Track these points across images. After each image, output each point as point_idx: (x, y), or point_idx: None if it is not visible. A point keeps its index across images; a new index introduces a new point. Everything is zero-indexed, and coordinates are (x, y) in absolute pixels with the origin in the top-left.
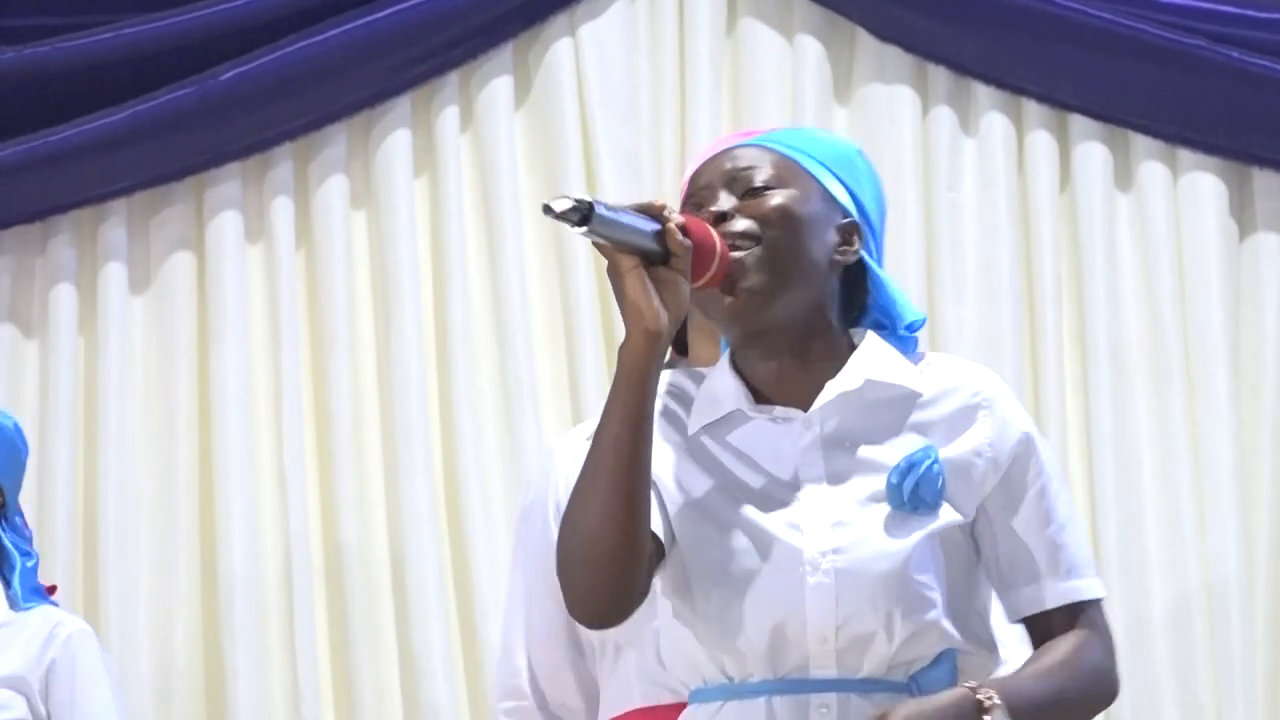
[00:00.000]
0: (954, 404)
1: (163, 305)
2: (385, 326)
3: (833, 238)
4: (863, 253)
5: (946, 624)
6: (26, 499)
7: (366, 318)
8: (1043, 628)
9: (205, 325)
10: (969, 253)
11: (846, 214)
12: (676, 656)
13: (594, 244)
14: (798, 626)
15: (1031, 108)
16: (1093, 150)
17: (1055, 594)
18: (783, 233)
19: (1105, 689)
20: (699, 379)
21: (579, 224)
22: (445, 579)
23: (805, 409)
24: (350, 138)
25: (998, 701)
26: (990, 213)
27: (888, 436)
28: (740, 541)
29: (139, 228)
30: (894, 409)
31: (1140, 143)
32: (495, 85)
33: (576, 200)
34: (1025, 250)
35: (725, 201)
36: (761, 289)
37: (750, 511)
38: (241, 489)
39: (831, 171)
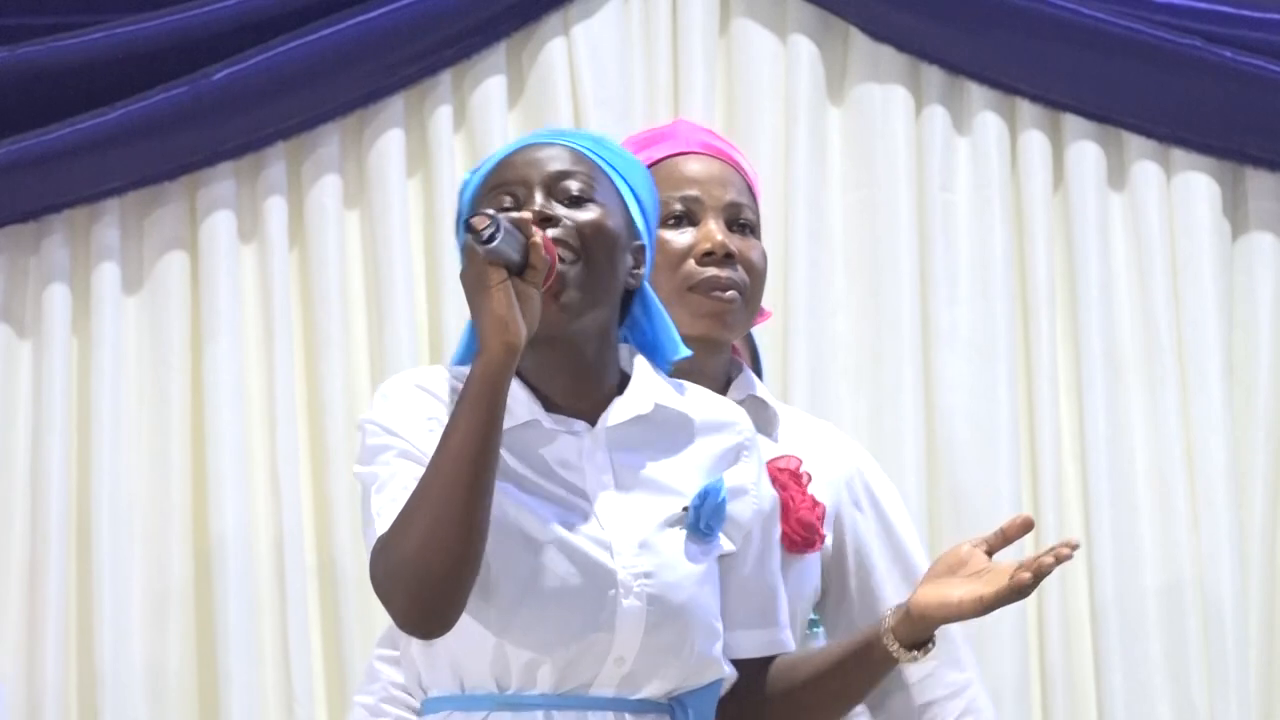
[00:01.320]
0: (724, 439)
1: (156, 305)
2: (379, 326)
3: (629, 260)
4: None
5: (718, 656)
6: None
7: (360, 318)
8: (748, 669)
9: (198, 325)
10: (962, 252)
11: (637, 235)
12: (441, 661)
13: (467, 254)
14: (603, 647)
15: (1025, 107)
16: (1086, 150)
17: (779, 642)
18: (600, 251)
19: None
20: (463, 378)
21: (487, 241)
22: None
23: (589, 421)
24: (343, 137)
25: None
26: (984, 212)
27: (668, 458)
28: (550, 555)
29: (132, 227)
30: (672, 433)
31: (1134, 142)
32: (488, 85)
33: (492, 217)
34: (1019, 250)
35: (544, 203)
36: (577, 305)
37: (556, 524)
38: (235, 489)
39: (631, 189)
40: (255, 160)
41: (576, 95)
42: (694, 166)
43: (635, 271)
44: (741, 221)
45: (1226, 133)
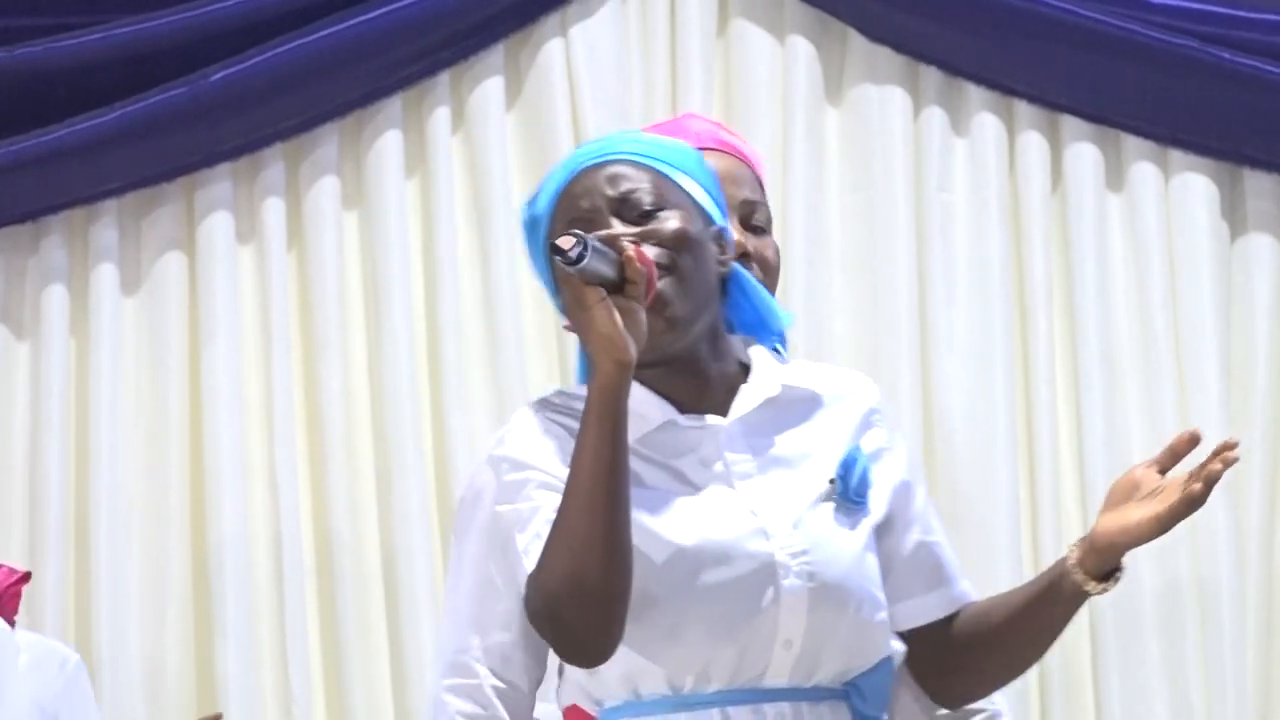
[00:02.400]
0: (853, 407)
1: (154, 306)
2: (377, 327)
3: (713, 249)
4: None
5: (887, 624)
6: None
7: (358, 319)
8: (927, 633)
9: (196, 326)
10: (960, 253)
11: (711, 220)
12: (613, 674)
13: (561, 279)
14: (770, 630)
15: (1023, 108)
16: (1084, 151)
17: (956, 597)
18: (688, 256)
19: None
20: (583, 399)
21: (576, 261)
22: (437, 580)
23: (720, 414)
24: (341, 139)
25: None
26: (981, 213)
27: (803, 436)
28: (706, 551)
29: (130, 228)
30: (802, 411)
31: (1131, 143)
32: (487, 86)
33: (578, 237)
34: (1016, 251)
35: (620, 226)
36: (684, 317)
37: (705, 522)
38: (233, 490)
39: (692, 177)
40: (253, 161)
41: (574, 96)
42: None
43: (723, 259)
44: (755, 220)
45: (1224, 134)
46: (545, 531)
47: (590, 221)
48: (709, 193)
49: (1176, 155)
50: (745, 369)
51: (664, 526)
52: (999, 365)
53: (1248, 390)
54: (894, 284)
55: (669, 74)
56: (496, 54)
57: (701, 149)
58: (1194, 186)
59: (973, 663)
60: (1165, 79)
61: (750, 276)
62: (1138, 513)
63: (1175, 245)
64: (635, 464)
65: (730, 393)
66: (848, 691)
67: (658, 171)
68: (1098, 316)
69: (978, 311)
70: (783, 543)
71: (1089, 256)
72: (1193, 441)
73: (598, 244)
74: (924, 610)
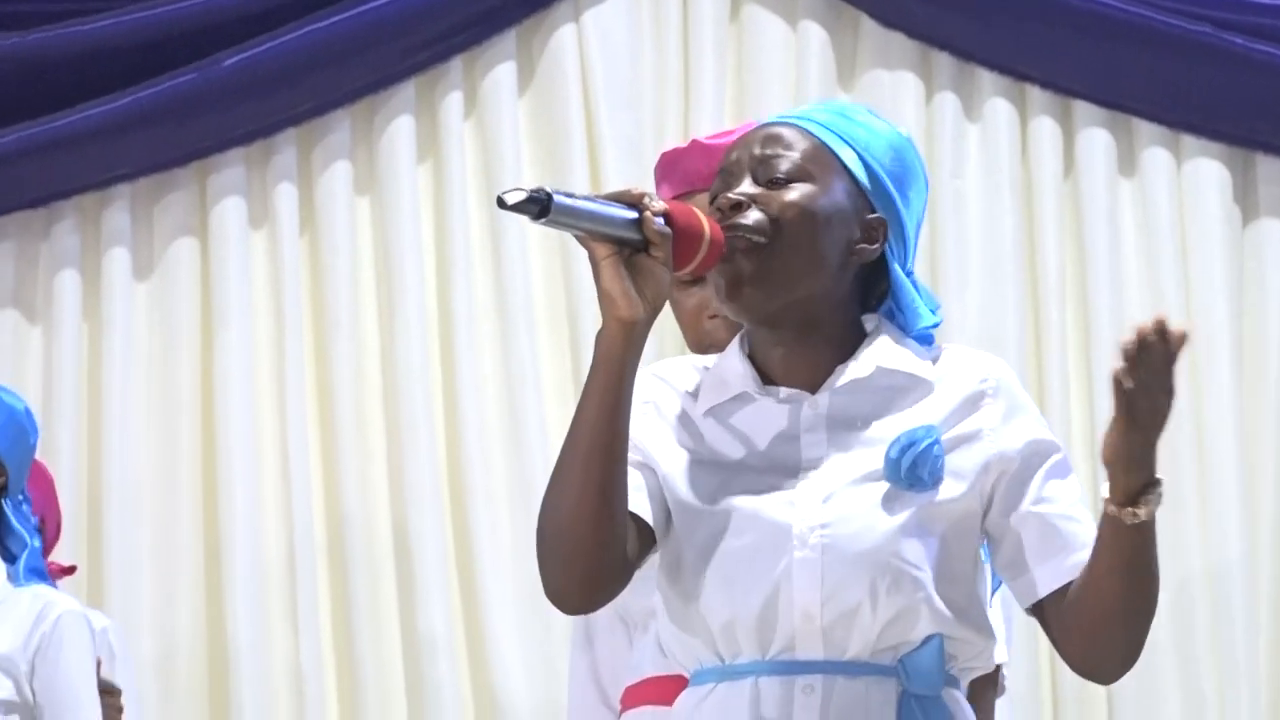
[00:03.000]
0: (962, 389)
1: (166, 290)
2: (388, 312)
3: (853, 233)
4: (887, 250)
5: (937, 605)
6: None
7: (370, 303)
8: (1051, 607)
9: (209, 310)
10: (972, 238)
11: (873, 209)
12: (673, 640)
13: (575, 236)
14: (785, 601)
15: (1035, 94)
16: (1096, 136)
17: (1075, 565)
18: (794, 232)
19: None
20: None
21: (538, 216)
22: (447, 561)
23: (811, 390)
24: (354, 124)
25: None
26: (994, 199)
27: (892, 420)
28: (728, 517)
29: (142, 213)
30: (900, 396)
31: (1144, 129)
32: (499, 71)
33: (531, 191)
34: (1029, 236)
35: (747, 186)
36: (769, 287)
37: (748, 491)
38: (244, 473)
39: (866, 161)
40: (266, 146)
41: (586, 82)
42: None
43: (859, 246)
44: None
45: (1237, 119)
46: None
47: (731, 173)
48: (880, 180)
49: (1189, 140)
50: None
51: (702, 494)
52: (1011, 349)
53: (1260, 374)
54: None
55: (681, 60)
56: (509, 40)
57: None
58: (1206, 172)
59: (1083, 626)
60: (1178, 64)
61: (899, 273)
62: (1113, 425)
63: (1187, 230)
64: (708, 429)
65: (832, 370)
66: (896, 668)
67: (822, 143)
68: (1110, 301)
69: (990, 296)
70: (804, 513)
71: (1101, 241)
72: (1158, 328)
73: (568, 200)
74: (1036, 584)
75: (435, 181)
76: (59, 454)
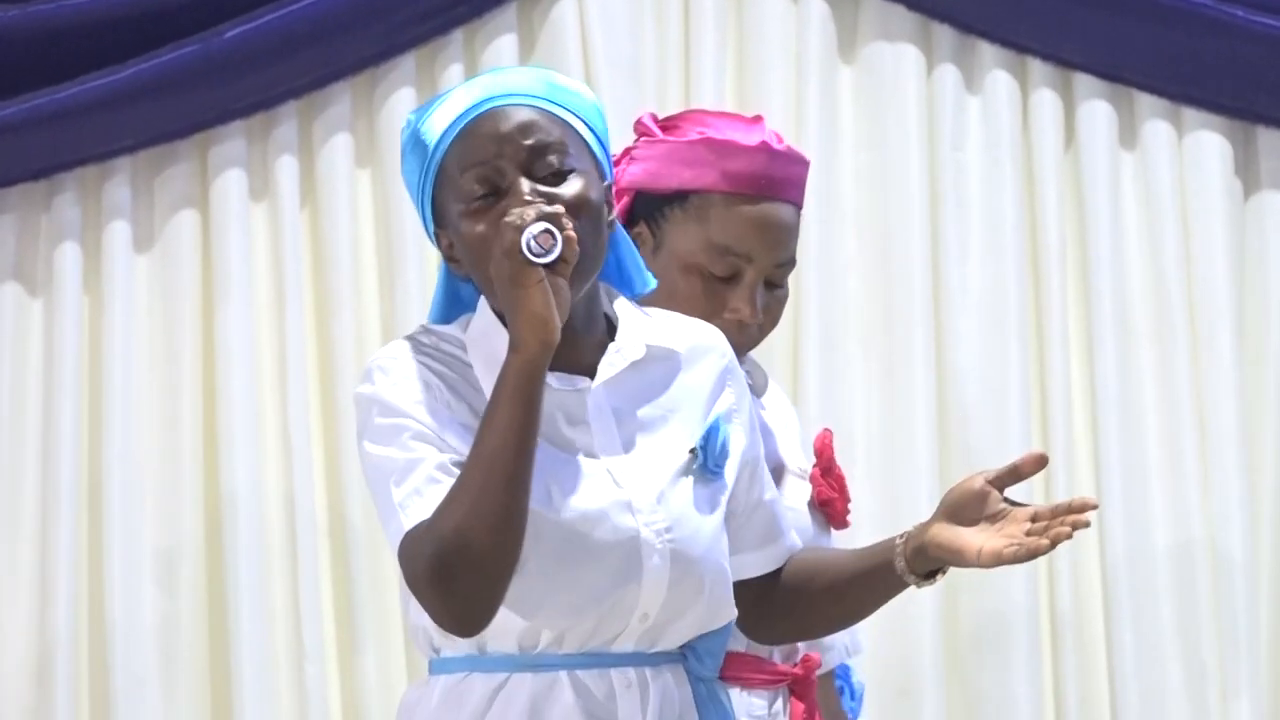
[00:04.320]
0: (710, 366)
1: (167, 263)
2: (390, 286)
3: (606, 211)
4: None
5: (731, 596)
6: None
7: (371, 277)
8: (754, 582)
9: (210, 284)
10: (973, 212)
11: (604, 176)
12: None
13: (507, 252)
14: (630, 604)
15: (1036, 66)
16: (1097, 109)
17: (784, 551)
18: (591, 221)
19: None
20: (457, 342)
21: (544, 255)
22: None
23: (586, 373)
24: (355, 96)
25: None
26: (995, 172)
27: (660, 397)
28: (572, 522)
29: (143, 186)
30: (660, 370)
31: (1145, 101)
32: (499, 44)
33: (554, 234)
34: (1030, 209)
35: (526, 185)
36: (581, 280)
37: (570, 485)
38: (246, 448)
39: (592, 131)
40: (267, 119)
41: (587, 54)
42: (764, 222)
43: (610, 218)
44: (779, 279)
45: (1238, 92)
46: (425, 490)
47: (498, 170)
48: (604, 146)
49: (1190, 113)
50: (611, 325)
51: (534, 492)
52: (1012, 323)
53: (1261, 348)
54: (907, 242)
55: (682, 32)
56: (509, 12)
57: (764, 197)
58: (1208, 144)
59: (793, 614)
60: (1179, 36)
61: (625, 236)
62: (977, 539)
63: (1189, 203)
64: None
65: (597, 351)
66: (684, 654)
67: (567, 124)
68: (1111, 274)
69: (991, 270)
70: (648, 519)
71: (1102, 214)
72: (1039, 463)
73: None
74: (755, 564)
75: None
76: (59, 428)
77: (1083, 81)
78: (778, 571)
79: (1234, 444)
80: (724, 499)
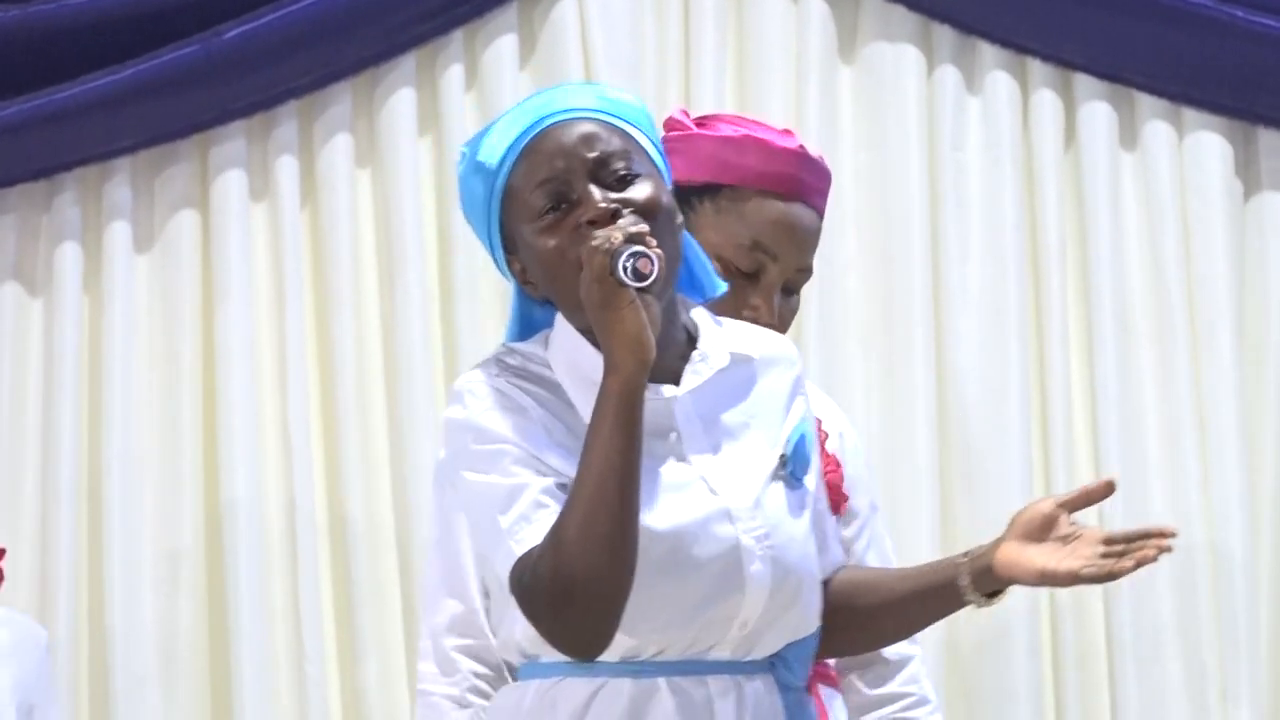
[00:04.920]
0: (785, 374)
1: (167, 263)
2: (390, 286)
3: (678, 215)
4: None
5: (819, 602)
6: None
7: (371, 277)
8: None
9: (210, 284)
10: (973, 212)
11: (666, 181)
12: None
13: (596, 276)
14: (732, 611)
15: (1036, 67)
16: (1097, 109)
17: (833, 562)
18: (665, 223)
19: None
20: (542, 360)
21: (642, 280)
22: None
23: (672, 382)
24: (355, 96)
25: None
26: (995, 172)
27: (740, 404)
28: (672, 532)
29: (143, 186)
30: (740, 378)
31: (1145, 102)
32: (500, 44)
33: (653, 258)
34: (1030, 209)
35: (598, 194)
36: (667, 289)
37: (669, 499)
38: (246, 448)
39: (649, 138)
40: (267, 119)
41: (588, 54)
42: (792, 223)
43: (680, 222)
44: (797, 285)
45: (1238, 92)
46: (534, 515)
47: (566, 183)
48: (659, 149)
49: (1190, 114)
50: (689, 334)
51: None
52: (1012, 324)
53: (1261, 348)
54: (907, 242)
55: (682, 32)
56: (510, 12)
57: (789, 196)
58: (1208, 145)
59: (837, 628)
60: (1179, 37)
61: (692, 240)
62: (1050, 560)
63: (1189, 204)
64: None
65: (680, 360)
66: (773, 663)
67: (625, 133)
68: (1111, 275)
69: (991, 270)
70: (746, 526)
71: (1102, 215)
72: (1108, 490)
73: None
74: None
75: (436, 154)
76: (59, 428)
77: (1083, 82)
78: (826, 583)
79: (1234, 444)
80: (808, 503)
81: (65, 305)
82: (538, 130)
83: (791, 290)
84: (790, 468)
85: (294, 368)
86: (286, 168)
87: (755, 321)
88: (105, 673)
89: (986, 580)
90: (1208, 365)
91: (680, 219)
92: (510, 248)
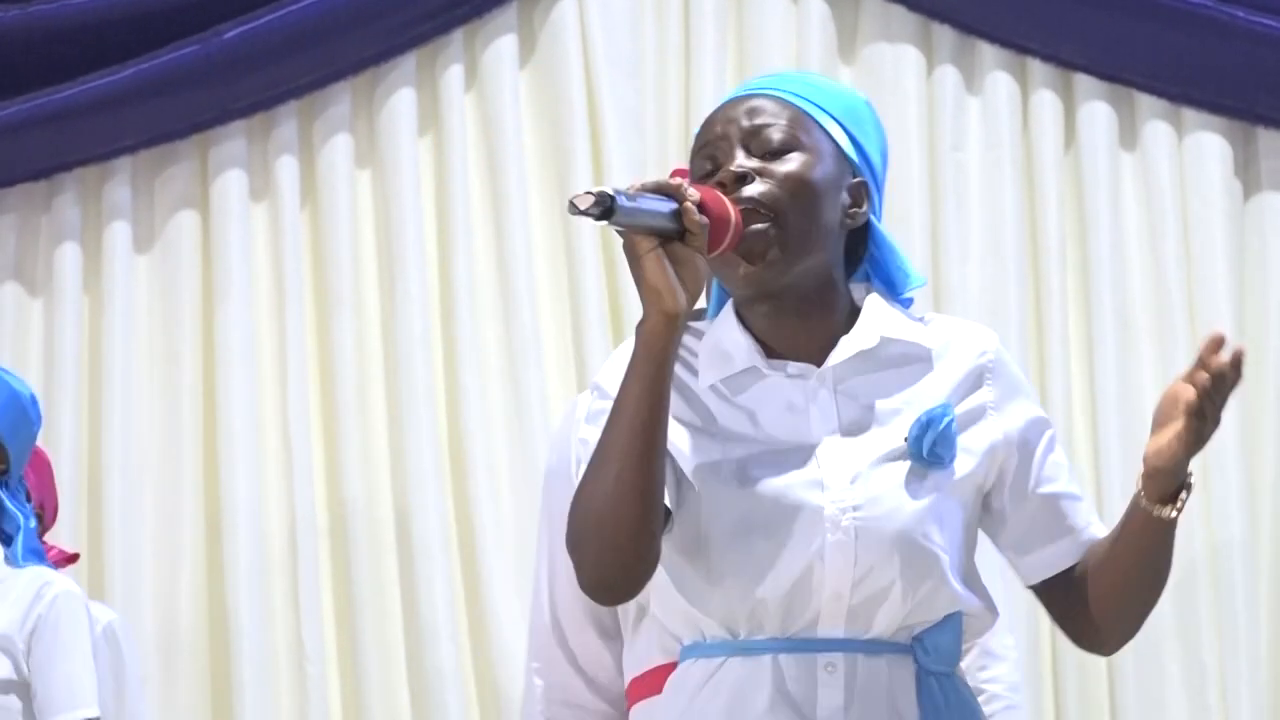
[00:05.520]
0: (963, 363)
1: (167, 263)
2: (390, 285)
3: (844, 199)
4: (870, 214)
5: (957, 585)
6: None
7: (371, 276)
8: (1056, 584)
9: (210, 284)
10: (973, 212)
11: (855, 172)
12: (677, 614)
13: (617, 231)
14: (816, 582)
15: (1036, 67)
16: (1097, 110)
17: (1081, 544)
18: (801, 203)
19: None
20: (696, 334)
21: (601, 217)
22: (450, 538)
23: (816, 363)
24: (355, 96)
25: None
26: (995, 172)
27: (900, 392)
28: (760, 498)
29: (144, 186)
30: (905, 366)
31: (1145, 102)
32: (500, 44)
33: (597, 194)
34: (1030, 209)
35: (742, 159)
36: (781, 261)
37: (768, 467)
38: (246, 448)
39: (843, 126)
40: (267, 119)
41: (588, 54)
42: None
43: (853, 210)
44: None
45: (1237, 92)
46: None
47: (718, 148)
48: (861, 145)
49: (1190, 114)
50: (856, 319)
51: (724, 471)
52: (1013, 323)
53: (1260, 348)
54: (908, 242)
55: (682, 31)
56: (510, 12)
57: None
58: (1207, 145)
59: (1091, 601)
60: (1179, 37)
61: (884, 234)
62: (1170, 431)
63: (1189, 204)
64: (714, 404)
65: (833, 342)
66: (913, 646)
67: (803, 111)
68: (1111, 274)
69: (991, 270)
70: (836, 496)
71: (1102, 215)
72: (1217, 345)
73: (626, 201)
74: (1045, 564)
75: (436, 154)
76: (60, 428)
77: (1083, 82)
78: (1075, 569)
79: (1233, 443)
80: (945, 484)
81: (65, 305)
82: (725, 101)
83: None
84: (916, 448)
85: (294, 367)
86: (286, 167)
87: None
88: None
89: (1154, 483)
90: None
91: (849, 203)
92: None
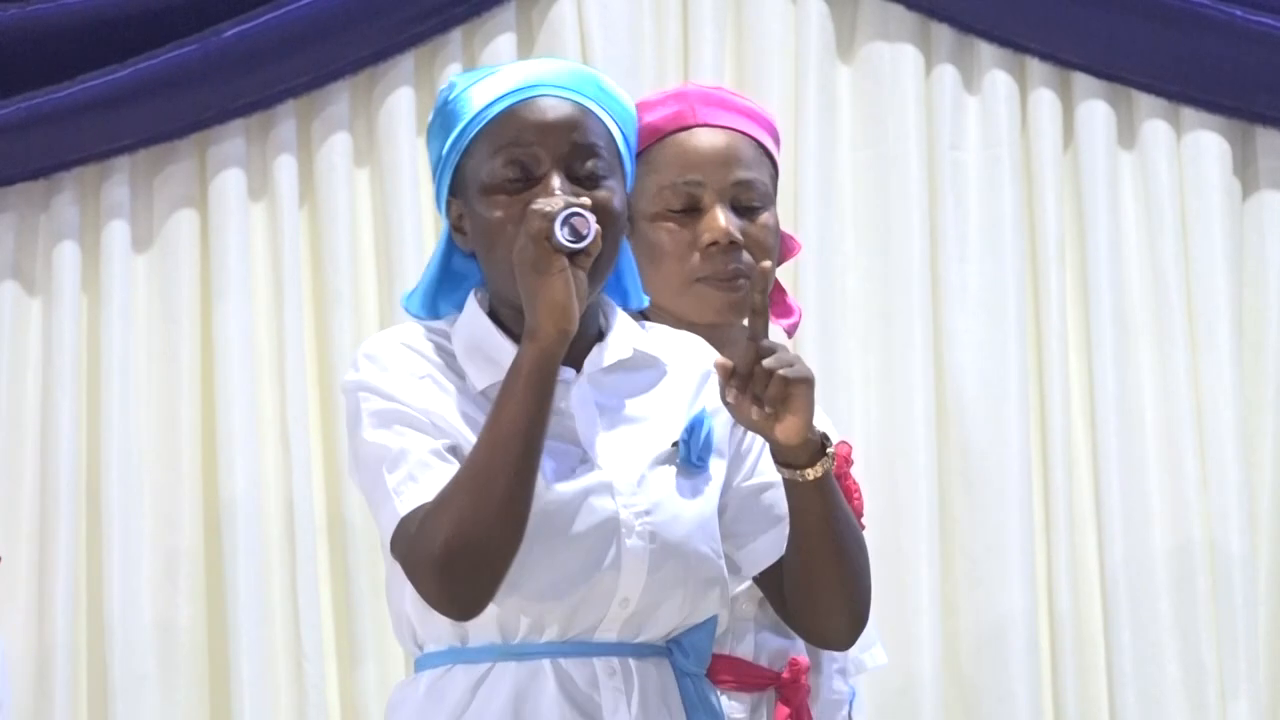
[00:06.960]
0: (692, 369)
1: (166, 263)
2: (389, 285)
3: (625, 223)
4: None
5: (722, 585)
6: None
7: (370, 276)
8: (773, 573)
9: (208, 283)
10: (972, 211)
11: (627, 190)
12: (434, 614)
13: (533, 236)
14: (609, 588)
15: (1035, 66)
16: (1096, 109)
17: (785, 536)
18: (614, 231)
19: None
20: (443, 333)
21: (577, 240)
22: None
23: (575, 369)
24: (353, 96)
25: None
26: (993, 171)
27: (650, 398)
28: (551, 504)
29: (142, 185)
30: (649, 374)
31: (1144, 101)
32: (499, 43)
33: (588, 218)
34: (1028, 208)
35: (558, 180)
36: (595, 275)
37: (553, 472)
38: (244, 447)
39: (625, 139)
40: (265, 118)
41: (586, 53)
42: (698, 145)
43: (623, 234)
44: (747, 201)
45: (1237, 91)
46: (420, 475)
47: (534, 157)
48: (631, 153)
49: (1189, 113)
50: (603, 331)
51: None
52: (1011, 322)
53: (1259, 347)
54: (906, 242)
55: (681, 31)
56: (509, 11)
57: (692, 126)
58: (1206, 144)
59: (799, 590)
60: (1178, 36)
61: (629, 250)
62: (763, 421)
63: (1187, 203)
64: (488, 407)
65: (586, 348)
66: (670, 648)
67: (608, 131)
68: (1110, 274)
69: (989, 269)
70: (627, 501)
71: (1101, 214)
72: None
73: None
74: (770, 548)
75: None
76: (58, 427)
77: (1081, 81)
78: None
79: (1232, 442)
80: (709, 490)
81: (64, 304)
82: (526, 95)
83: (744, 207)
84: (685, 452)
85: (293, 366)
86: (285, 167)
87: (718, 246)
88: (103, 671)
89: (782, 456)
90: (1206, 364)
91: (626, 230)
92: (456, 190)
